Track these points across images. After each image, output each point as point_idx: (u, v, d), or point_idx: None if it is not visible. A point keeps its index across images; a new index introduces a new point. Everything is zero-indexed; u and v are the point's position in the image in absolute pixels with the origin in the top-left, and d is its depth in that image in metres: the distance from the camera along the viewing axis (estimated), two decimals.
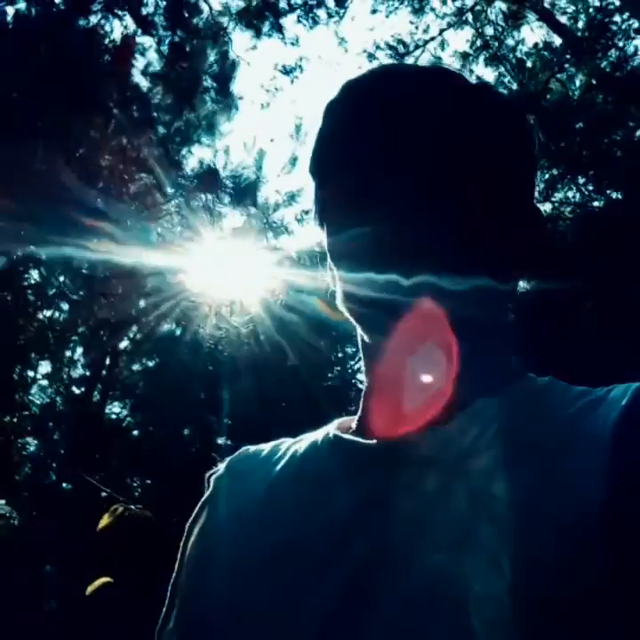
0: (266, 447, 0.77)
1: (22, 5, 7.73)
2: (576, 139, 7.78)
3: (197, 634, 0.64)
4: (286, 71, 9.97)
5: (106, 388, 12.91)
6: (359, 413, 0.73)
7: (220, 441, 14.75)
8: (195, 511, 0.77)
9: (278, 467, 0.71)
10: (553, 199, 8.03)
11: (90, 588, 3.42)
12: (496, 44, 8.69)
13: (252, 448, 0.78)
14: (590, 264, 7.09)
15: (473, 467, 0.58)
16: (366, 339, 0.72)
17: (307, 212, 10.89)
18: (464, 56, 9.25)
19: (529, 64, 8.43)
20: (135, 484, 12.50)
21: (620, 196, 7.59)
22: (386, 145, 0.65)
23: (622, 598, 0.48)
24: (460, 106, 0.67)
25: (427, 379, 0.66)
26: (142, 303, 12.75)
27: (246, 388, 12.65)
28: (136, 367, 13.75)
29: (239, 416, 12.76)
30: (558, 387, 0.67)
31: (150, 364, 13.66)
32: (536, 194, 0.78)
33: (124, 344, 13.31)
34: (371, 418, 0.71)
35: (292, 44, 9.48)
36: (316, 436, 0.73)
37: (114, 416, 13.40)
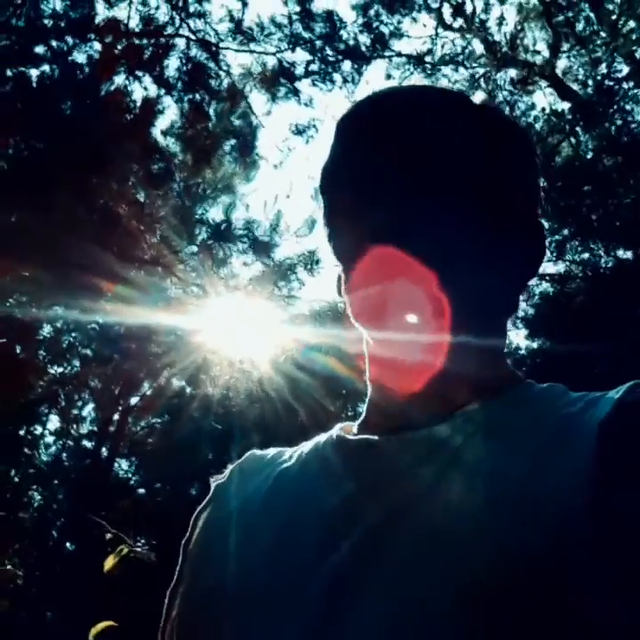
0: (271, 451, 0.80)
1: (46, 68, 8.05)
2: (585, 200, 7.89)
3: (200, 613, 0.66)
4: (300, 131, 10.27)
5: (114, 444, 12.84)
6: (362, 416, 0.75)
7: None
8: (202, 504, 0.79)
9: (283, 465, 0.74)
10: (564, 259, 8.11)
11: (93, 632, 3.35)
12: (508, 105, 8.94)
13: (259, 452, 0.81)
14: (603, 325, 7.08)
15: (466, 460, 0.60)
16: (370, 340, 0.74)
17: (317, 262, 10.94)
18: None
19: (538, 127, 8.65)
20: (140, 543, 12.32)
21: (629, 257, 7.65)
22: (383, 159, 0.68)
23: (605, 582, 0.49)
24: (453, 119, 0.70)
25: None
26: (153, 360, 12.81)
27: (255, 446, 12.52)
28: (145, 424, 13.71)
29: None
30: (556, 390, 0.68)
31: (159, 421, 13.63)
32: (540, 209, 0.78)
33: (133, 400, 13.31)
34: (371, 416, 0.73)
35: (306, 105, 9.81)
36: (319, 438, 0.76)
37: (121, 473, 13.29)
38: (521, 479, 0.55)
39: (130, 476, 13.53)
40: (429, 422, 0.65)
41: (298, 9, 9.04)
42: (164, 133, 8.46)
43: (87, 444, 13.32)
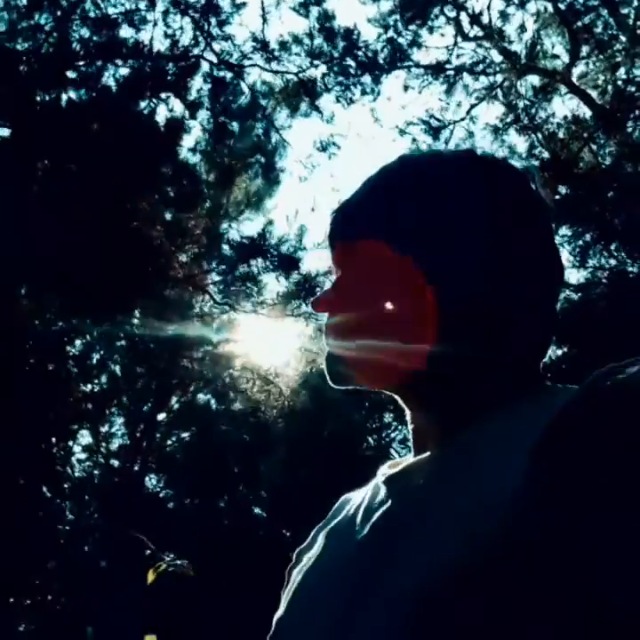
0: (360, 490, 0.85)
1: (74, 92, 8.21)
2: (607, 206, 7.87)
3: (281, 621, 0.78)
4: (323, 148, 10.47)
5: (144, 459, 12.94)
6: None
7: (257, 510, 14.63)
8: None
9: (354, 499, 0.83)
10: (587, 265, 8.09)
11: None
12: (527, 115, 8.98)
13: (349, 494, 0.88)
14: (627, 330, 7.03)
15: (441, 487, 0.66)
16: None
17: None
18: (495, 130, 9.62)
19: (560, 134, 8.66)
20: (171, 557, 12.33)
21: None
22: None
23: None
24: (423, 187, 0.76)
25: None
26: (182, 376, 12.90)
27: (283, 458, 12.60)
28: (174, 438, 13.81)
29: (275, 486, 12.67)
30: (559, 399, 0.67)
31: (188, 434, 13.72)
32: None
33: (162, 415, 13.41)
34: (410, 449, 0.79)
35: (328, 121, 10.03)
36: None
37: (151, 487, 13.38)
38: (476, 500, 0.60)
39: (159, 490, 13.63)
40: (434, 448, 0.72)
41: (317, 26, 9.15)
42: (192, 151, 8.62)
43: (118, 459, 13.45)
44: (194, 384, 12.97)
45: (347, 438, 12.85)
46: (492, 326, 0.73)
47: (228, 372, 12.82)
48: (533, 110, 9.19)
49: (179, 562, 3.33)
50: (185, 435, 13.82)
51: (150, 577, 3.43)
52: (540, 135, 8.79)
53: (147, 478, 13.15)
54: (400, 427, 14.46)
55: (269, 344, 13.04)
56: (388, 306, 0.73)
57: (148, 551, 3.36)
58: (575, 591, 0.51)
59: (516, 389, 0.73)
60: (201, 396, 13.74)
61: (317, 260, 11.82)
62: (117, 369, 12.56)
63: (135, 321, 11.07)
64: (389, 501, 0.71)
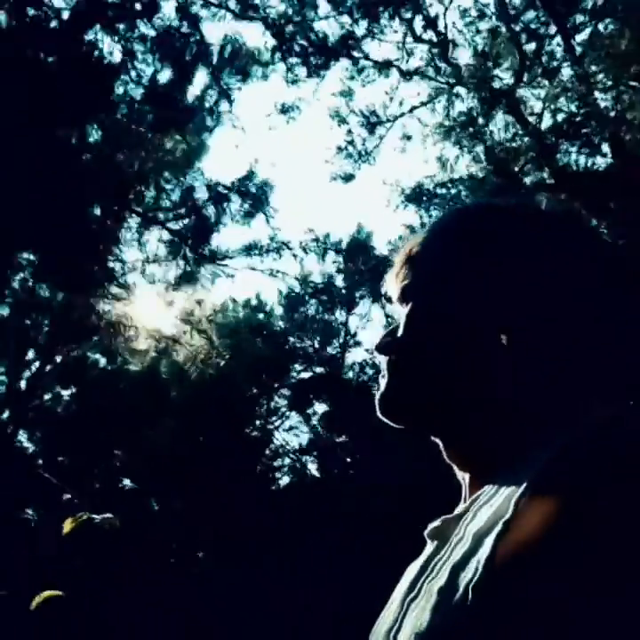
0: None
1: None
2: None
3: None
4: (284, 110, 10.74)
5: (20, 411, 12.33)
6: None
7: (127, 482, 14.26)
8: None
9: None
10: None
11: (36, 600, 3.19)
12: (467, 126, 9.16)
13: None
14: None
15: (462, 538, 0.69)
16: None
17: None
18: (439, 135, 9.84)
19: (500, 151, 8.86)
20: (30, 517, 11.83)
21: None
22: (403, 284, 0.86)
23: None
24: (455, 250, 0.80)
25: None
26: (70, 329, 12.38)
27: (169, 426, 12.31)
28: (55, 393, 13.24)
29: (155, 454, 12.35)
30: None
31: (70, 391, 13.21)
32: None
33: (47, 368, 12.82)
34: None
35: (293, 82, 10.27)
36: None
37: (23, 441, 12.79)
38: (476, 537, 0.64)
39: (31, 445, 13.07)
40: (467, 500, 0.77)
41: None
42: (131, 97, 8.30)
43: None
44: (87, 339, 12.47)
45: (235, 416, 12.75)
46: (510, 367, 0.75)
47: (126, 330, 12.40)
48: (475, 123, 9.38)
49: (97, 517, 3.11)
50: (67, 392, 13.28)
51: (67, 527, 3.21)
52: (479, 148, 8.98)
53: (20, 431, 12.54)
54: (288, 414, 14.50)
55: (178, 308, 12.77)
56: (435, 351, 0.78)
57: (68, 496, 3.15)
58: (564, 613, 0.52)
59: (547, 436, 0.70)
60: (91, 353, 13.24)
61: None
62: (6, 312, 11.90)
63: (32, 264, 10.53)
64: (430, 549, 0.77)
